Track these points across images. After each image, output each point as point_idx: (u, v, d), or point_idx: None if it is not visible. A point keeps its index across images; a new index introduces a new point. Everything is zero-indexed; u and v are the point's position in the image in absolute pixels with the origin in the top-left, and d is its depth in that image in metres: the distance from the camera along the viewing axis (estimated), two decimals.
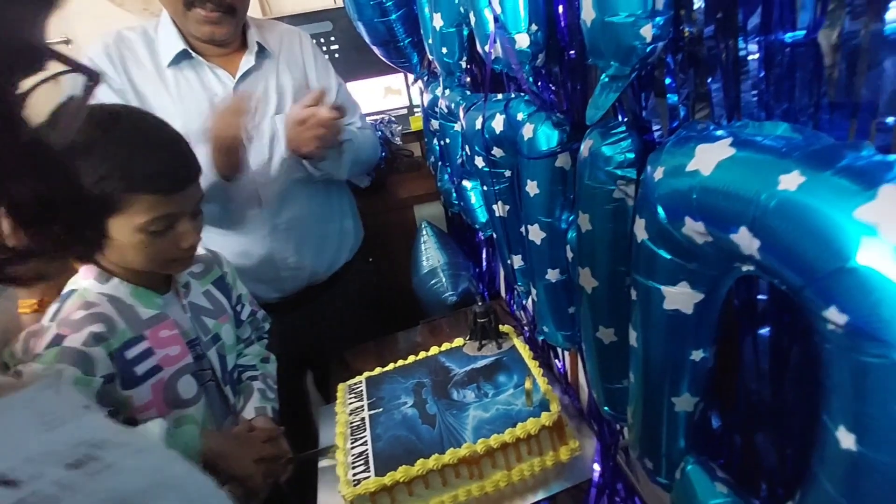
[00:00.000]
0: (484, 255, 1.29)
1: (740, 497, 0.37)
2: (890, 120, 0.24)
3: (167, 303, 0.69)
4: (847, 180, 0.22)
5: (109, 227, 0.59)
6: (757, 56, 0.32)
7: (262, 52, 0.94)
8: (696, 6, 0.36)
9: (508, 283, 1.12)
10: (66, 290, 0.65)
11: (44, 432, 0.20)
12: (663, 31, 0.36)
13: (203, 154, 0.81)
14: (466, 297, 1.28)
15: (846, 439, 0.22)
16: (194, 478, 0.23)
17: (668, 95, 0.40)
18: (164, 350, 0.66)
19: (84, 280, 0.65)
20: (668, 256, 0.34)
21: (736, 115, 0.35)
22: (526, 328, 1.01)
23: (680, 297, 0.35)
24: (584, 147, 0.44)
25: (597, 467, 0.69)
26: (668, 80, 0.40)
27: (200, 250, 0.80)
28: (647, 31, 0.35)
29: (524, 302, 0.97)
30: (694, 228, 0.30)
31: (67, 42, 1.71)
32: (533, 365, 0.83)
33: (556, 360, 0.91)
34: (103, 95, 0.86)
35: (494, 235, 0.87)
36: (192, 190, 0.65)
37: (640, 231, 0.36)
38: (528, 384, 0.75)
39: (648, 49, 0.36)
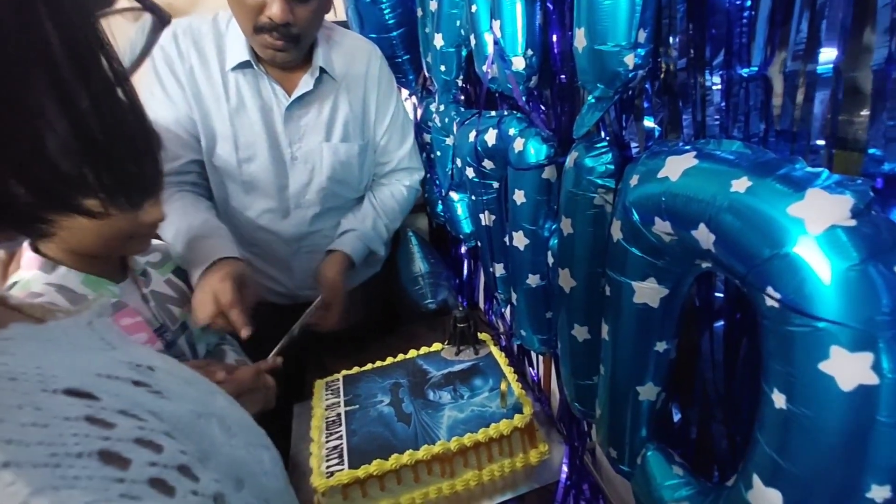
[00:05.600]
0: (465, 267, 1.32)
1: (694, 479, 0.41)
2: (820, 142, 0.30)
3: (125, 291, 0.66)
4: (783, 185, 0.27)
5: None
6: (719, 87, 0.38)
7: (323, 74, 0.91)
8: (671, 42, 0.41)
9: (488, 293, 1.16)
10: (6, 284, 0.59)
11: (107, 351, 0.21)
12: (644, 60, 0.41)
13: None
14: (445, 306, 1.31)
15: (779, 400, 0.26)
16: (233, 410, 0.24)
17: (646, 118, 0.45)
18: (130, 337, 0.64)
19: (27, 271, 0.59)
20: (639, 254, 0.38)
21: (701, 136, 0.41)
22: (502, 337, 1.05)
23: (648, 291, 0.39)
24: (570, 158, 0.49)
25: (565, 468, 0.72)
26: (645, 105, 0.45)
27: (154, 240, 0.76)
28: (630, 60, 0.41)
29: (503, 311, 1.01)
30: (662, 228, 0.35)
31: None
32: (508, 370, 0.87)
33: (530, 368, 0.94)
34: (167, 82, 0.83)
35: (479, 244, 0.92)
36: None
37: (616, 232, 0.40)
38: (503, 386, 0.78)
39: (630, 75, 0.41)
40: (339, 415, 0.83)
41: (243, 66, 0.86)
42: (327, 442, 0.77)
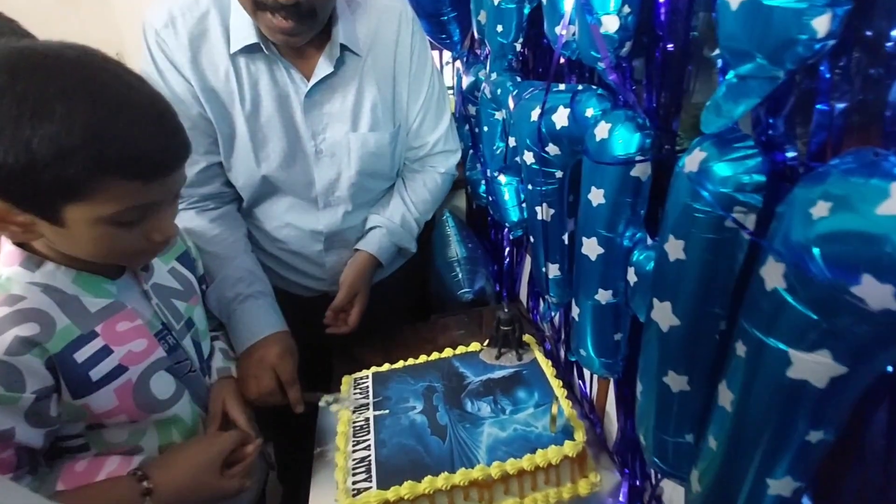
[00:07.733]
0: (507, 256, 1.21)
1: None
2: None
3: (122, 289, 0.56)
4: None
5: (64, 214, 0.45)
6: None
7: (345, 52, 0.77)
8: None
9: (533, 290, 1.05)
10: None
11: None
12: (840, 26, 0.28)
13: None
14: (482, 296, 1.22)
15: None
16: None
17: (817, 108, 0.32)
18: (126, 346, 0.54)
19: (6, 268, 0.50)
20: (814, 317, 0.26)
21: None
22: (548, 341, 0.95)
23: (814, 366, 0.28)
24: (692, 160, 0.36)
25: None
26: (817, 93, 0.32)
27: None
28: (822, 24, 0.27)
29: (552, 314, 0.90)
30: (874, 291, 0.23)
31: None
32: (556, 384, 0.77)
33: (580, 381, 0.84)
34: (171, 78, 0.71)
35: (531, 239, 0.80)
36: (178, 175, 0.50)
37: (774, 277, 0.28)
38: (553, 409, 0.68)
39: (817, 47, 0.28)
40: (367, 420, 0.76)
41: (252, 49, 0.72)
42: (354, 452, 0.71)
